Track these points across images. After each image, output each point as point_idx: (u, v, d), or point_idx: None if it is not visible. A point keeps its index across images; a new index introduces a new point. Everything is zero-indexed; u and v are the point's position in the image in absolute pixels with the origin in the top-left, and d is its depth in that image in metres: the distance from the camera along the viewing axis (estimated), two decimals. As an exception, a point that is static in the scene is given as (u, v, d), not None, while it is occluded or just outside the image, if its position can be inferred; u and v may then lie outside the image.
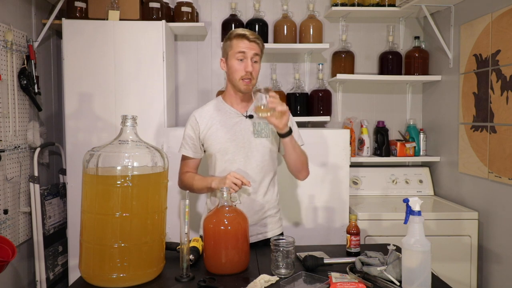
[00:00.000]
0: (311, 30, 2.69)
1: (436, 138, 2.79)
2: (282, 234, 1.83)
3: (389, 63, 2.79)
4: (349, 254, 1.56)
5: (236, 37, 1.66)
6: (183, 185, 1.78)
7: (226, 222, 1.38)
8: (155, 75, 2.40)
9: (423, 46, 2.82)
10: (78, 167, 2.31)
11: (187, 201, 1.36)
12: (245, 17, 2.79)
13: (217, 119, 1.72)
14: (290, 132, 1.60)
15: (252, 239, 1.71)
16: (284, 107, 1.51)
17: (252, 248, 1.57)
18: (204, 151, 1.78)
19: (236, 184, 1.54)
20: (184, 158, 1.79)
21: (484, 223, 2.29)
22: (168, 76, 2.47)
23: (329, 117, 2.73)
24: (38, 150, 2.38)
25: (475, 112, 2.34)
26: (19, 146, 2.28)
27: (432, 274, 1.27)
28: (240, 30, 1.67)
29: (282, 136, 1.60)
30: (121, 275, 1.27)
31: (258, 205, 1.73)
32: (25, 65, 2.30)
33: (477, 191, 2.35)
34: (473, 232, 2.31)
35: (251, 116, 1.72)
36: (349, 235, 1.57)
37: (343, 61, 2.76)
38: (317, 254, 1.49)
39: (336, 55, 2.80)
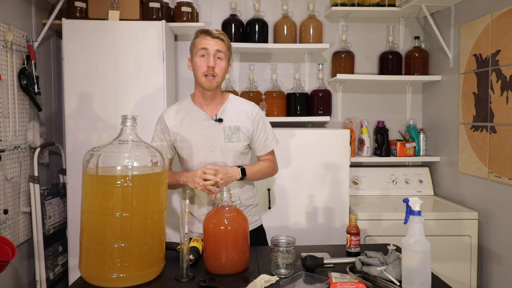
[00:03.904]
0: (311, 30, 2.69)
1: (436, 138, 2.79)
2: (261, 226, 1.86)
3: (389, 63, 2.79)
4: (349, 254, 1.55)
5: (200, 34, 1.66)
6: None
7: (226, 222, 1.38)
8: (155, 75, 2.40)
9: (423, 46, 2.82)
10: (78, 167, 2.32)
11: (187, 201, 1.36)
12: (245, 17, 2.79)
13: (186, 121, 1.70)
14: (243, 177, 1.66)
15: None
16: (217, 178, 1.55)
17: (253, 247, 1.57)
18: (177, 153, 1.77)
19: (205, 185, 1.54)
20: None
21: (484, 223, 2.29)
22: (168, 76, 2.47)
23: (329, 117, 2.73)
24: (38, 150, 2.38)
25: (475, 112, 2.34)
26: (19, 146, 2.28)
27: (432, 274, 1.27)
28: (206, 29, 1.67)
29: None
30: (121, 275, 1.27)
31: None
32: (25, 65, 2.30)
33: (477, 191, 2.35)
34: (473, 232, 2.31)
35: (220, 120, 1.69)
36: (349, 235, 1.57)
37: (343, 61, 2.76)
38: (322, 255, 1.49)
39: (336, 55, 2.80)
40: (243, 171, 1.66)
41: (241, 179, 1.66)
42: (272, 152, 1.83)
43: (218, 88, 1.71)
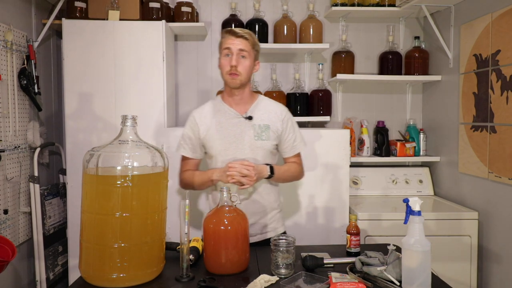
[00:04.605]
0: (311, 30, 2.69)
1: (436, 138, 2.79)
2: (284, 233, 1.83)
3: (389, 63, 2.79)
4: (349, 254, 1.55)
5: (224, 34, 1.68)
6: (184, 184, 1.76)
7: (226, 222, 1.38)
8: (155, 75, 2.40)
9: (423, 46, 2.82)
10: (78, 167, 2.31)
11: (187, 201, 1.36)
12: (245, 17, 2.79)
13: (216, 119, 1.71)
14: (271, 175, 1.65)
15: (256, 239, 1.72)
16: (247, 173, 1.55)
17: (253, 247, 1.57)
18: (205, 152, 1.77)
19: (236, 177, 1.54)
20: (184, 158, 1.77)
21: (484, 223, 2.29)
22: (168, 76, 2.47)
23: (329, 117, 2.73)
24: (38, 150, 2.38)
25: (475, 112, 2.34)
26: (19, 146, 2.28)
27: (432, 274, 1.27)
28: (230, 28, 1.68)
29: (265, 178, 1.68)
30: (121, 275, 1.27)
31: (260, 206, 1.72)
32: (25, 65, 2.30)
33: (477, 191, 2.34)
34: (473, 232, 2.31)
35: (250, 118, 1.70)
36: (349, 235, 1.57)
37: (343, 61, 2.76)
38: (322, 255, 1.49)
39: (336, 55, 2.80)
40: (271, 169, 1.66)
41: (269, 177, 1.65)
42: (299, 155, 1.82)
43: (246, 87, 1.71)
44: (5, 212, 2.14)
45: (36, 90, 2.36)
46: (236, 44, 1.64)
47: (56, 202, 2.56)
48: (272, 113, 1.74)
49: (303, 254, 1.47)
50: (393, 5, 2.71)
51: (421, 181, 2.80)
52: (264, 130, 1.69)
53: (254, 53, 1.69)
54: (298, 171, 1.80)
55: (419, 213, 1.23)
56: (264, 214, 1.74)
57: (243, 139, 1.68)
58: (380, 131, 2.80)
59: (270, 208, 1.75)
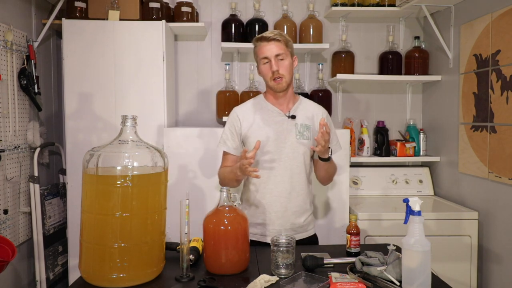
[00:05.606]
0: (311, 30, 2.69)
1: (436, 138, 2.79)
2: (315, 235, 1.83)
3: (389, 63, 2.79)
4: (349, 254, 1.55)
5: (256, 43, 1.68)
6: (220, 179, 1.75)
7: (226, 222, 1.38)
8: (155, 75, 2.40)
9: (423, 46, 2.82)
10: (78, 167, 2.32)
11: (187, 201, 1.36)
12: (245, 17, 2.79)
13: (258, 116, 1.72)
14: (329, 158, 1.65)
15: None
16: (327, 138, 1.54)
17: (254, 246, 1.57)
18: None
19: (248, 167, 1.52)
20: (224, 154, 1.77)
21: (484, 223, 2.29)
22: (168, 76, 2.47)
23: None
24: (38, 150, 2.38)
25: (475, 112, 2.34)
26: (19, 146, 2.28)
27: (432, 274, 1.27)
28: (260, 35, 1.68)
29: (321, 159, 1.66)
30: (121, 275, 1.27)
31: (297, 206, 1.72)
32: (25, 65, 2.30)
33: (477, 191, 2.34)
34: (473, 232, 2.31)
35: (293, 117, 1.70)
36: (349, 235, 1.57)
37: (343, 61, 2.76)
38: (322, 255, 1.48)
39: (336, 55, 2.80)
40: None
41: (327, 159, 1.65)
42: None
43: (289, 87, 1.72)
44: (5, 212, 2.14)
45: (36, 90, 2.37)
46: (270, 50, 1.64)
47: (56, 202, 2.56)
48: (313, 113, 1.75)
49: (303, 254, 1.47)
50: (393, 5, 2.71)
51: (421, 181, 2.80)
52: (305, 129, 1.71)
53: (290, 50, 1.69)
54: (335, 172, 1.81)
55: (419, 213, 1.23)
56: (300, 215, 1.73)
57: (285, 138, 1.68)
58: (380, 131, 2.80)
59: (306, 209, 1.75)
